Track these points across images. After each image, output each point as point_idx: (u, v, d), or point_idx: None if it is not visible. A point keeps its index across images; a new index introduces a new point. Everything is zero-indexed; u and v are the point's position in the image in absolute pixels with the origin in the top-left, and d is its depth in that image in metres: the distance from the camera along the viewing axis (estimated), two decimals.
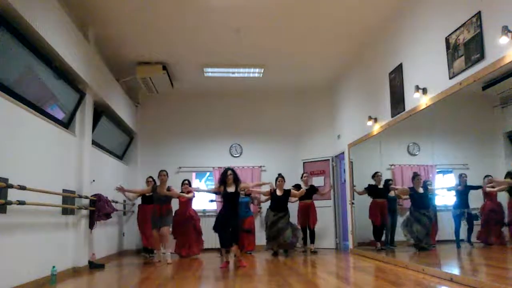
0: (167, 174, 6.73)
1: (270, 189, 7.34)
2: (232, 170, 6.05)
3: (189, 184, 7.70)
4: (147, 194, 7.36)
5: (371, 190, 7.00)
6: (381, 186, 6.81)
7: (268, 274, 5.38)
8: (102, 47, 6.79)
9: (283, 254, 7.31)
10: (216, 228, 5.98)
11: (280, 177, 7.35)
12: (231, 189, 5.94)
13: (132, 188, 7.84)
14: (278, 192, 7.31)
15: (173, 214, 7.16)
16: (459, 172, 5.25)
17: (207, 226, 8.91)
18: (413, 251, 5.94)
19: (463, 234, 5.00)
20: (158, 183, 6.80)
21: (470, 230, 4.85)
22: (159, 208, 6.65)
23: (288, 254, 7.31)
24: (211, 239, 8.73)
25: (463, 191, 4.86)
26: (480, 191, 4.68)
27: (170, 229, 7.00)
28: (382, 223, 6.83)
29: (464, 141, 5.08)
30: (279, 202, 7.24)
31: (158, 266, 6.16)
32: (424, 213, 5.62)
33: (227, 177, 5.93)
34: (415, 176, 5.80)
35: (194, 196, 7.62)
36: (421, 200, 5.73)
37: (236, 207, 5.98)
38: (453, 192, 5.25)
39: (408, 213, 5.93)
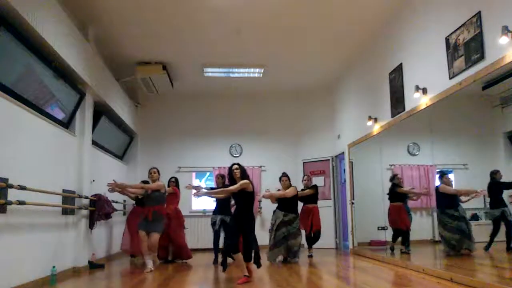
0: (158, 171, 6.12)
1: (278, 189, 6.69)
2: (238, 164, 5.04)
3: (176, 182, 7.05)
4: (139, 197, 6.75)
5: (390, 193, 6.47)
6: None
7: (268, 274, 5.38)
8: (102, 47, 6.78)
9: (287, 261, 6.46)
10: (227, 234, 5.09)
11: (284, 176, 6.67)
12: None
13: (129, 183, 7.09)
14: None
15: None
16: (459, 172, 5.24)
17: (206, 226, 8.96)
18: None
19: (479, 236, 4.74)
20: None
21: (509, 233, 4.32)
22: (151, 209, 5.83)
23: (292, 262, 6.38)
24: (210, 238, 8.77)
25: (497, 190, 4.39)
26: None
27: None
28: (400, 226, 6.32)
29: (464, 141, 5.07)
30: (286, 202, 6.50)
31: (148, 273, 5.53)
32: (452, 214, 5.12)
33: (233, 173, 4.92)
34: (443, 174, 5.32)
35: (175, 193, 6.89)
36: (448, 199, 5.22)
37: (250, 208, 4.92)
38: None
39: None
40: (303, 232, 6.92)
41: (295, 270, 5.60)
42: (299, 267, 5.95)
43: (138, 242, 6.04)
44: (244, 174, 4.89)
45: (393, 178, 6.41)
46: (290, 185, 6.59)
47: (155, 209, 5.83)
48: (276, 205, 6.77)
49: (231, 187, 4.85)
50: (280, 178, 6.69)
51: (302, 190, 7.15)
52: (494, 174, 4.36)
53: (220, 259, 6.00)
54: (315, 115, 9.51)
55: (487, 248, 4.57)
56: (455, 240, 5.06)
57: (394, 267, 5.44)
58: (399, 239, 6.35)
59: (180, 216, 6.97)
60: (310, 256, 7.02)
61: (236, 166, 4.94)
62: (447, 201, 5.20)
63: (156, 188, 5.92)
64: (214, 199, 6.69)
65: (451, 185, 5.24)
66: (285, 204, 6.53)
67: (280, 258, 6.49)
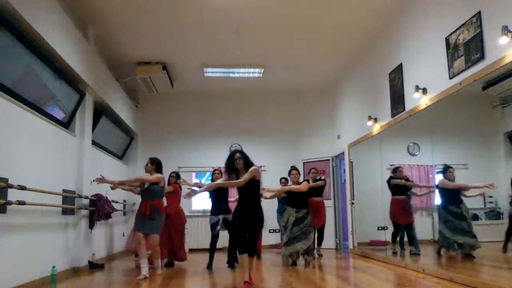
0: (151, 163, 5.46)
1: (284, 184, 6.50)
2: (241, 152, 4.36)
3: (178, 177, 6.55)
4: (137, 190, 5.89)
5: (391, 185, 6.28)
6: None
7: (269, 274, 5.38)
8: (102, 47, 6.78)
9: (305, 262, 6.13)
10: (231, 229, 4.80)
11: (294, 170, 6.35)
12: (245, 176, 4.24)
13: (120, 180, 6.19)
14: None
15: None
16: (459, 171, 5.22)
17: (206, 226, 8.94)
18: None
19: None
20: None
21: None
22: (145, 205, 5.20)
23: (309, 262, 6.12)
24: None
25: None
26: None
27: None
28: (400, 222, 6.18)
29: (464, 141, 5.07)
30: (297, 197, 6.20)
31: (140, 280, 4.90)
32: (454, 211, 4.96)
33: (235, 162, 4.25)
34: (447, 168, 5.08)
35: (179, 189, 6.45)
36: (452, 195, 5.03)
37: (257, 199, 4.36)
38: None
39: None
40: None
41: (295, 270, 5.59)
42: (300, 267, 5.95)
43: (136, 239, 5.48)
44: (248, 162, 4.26)
45: (395, 170, 6.25)
46: (299, 179, 6.36)
47: (152, 204, 5.18)
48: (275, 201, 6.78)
49: (240, 180, 4.17)
50: (289, 172, 6.41)
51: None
52: None
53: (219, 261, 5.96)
54: (315, 115, 9.51)
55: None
56: (453, 236, 4.90)
57: (394, 267, 5.44)
58: (405, 239, 6.32)
59: (182, 216, 6.46)
60: (320, 255, 7.05)
61: (238, 154, 4.26)
62: (451, 197, 5.02)
63: (155, 180, 5.26)
64: (210, 198, 6.30)
65: (453, 180, 5.02)
66: (296, 200, 6.24)
67: (290, 261, 6.18)
